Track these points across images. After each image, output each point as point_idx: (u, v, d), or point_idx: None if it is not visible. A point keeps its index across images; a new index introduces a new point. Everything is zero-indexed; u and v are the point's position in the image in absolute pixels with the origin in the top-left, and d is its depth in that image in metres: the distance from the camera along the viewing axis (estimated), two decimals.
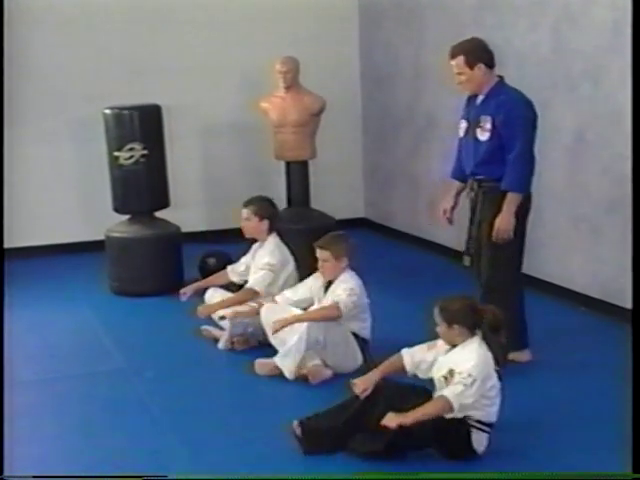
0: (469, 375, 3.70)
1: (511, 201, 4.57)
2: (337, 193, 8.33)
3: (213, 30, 8.00)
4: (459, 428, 3.76)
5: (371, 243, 8.19)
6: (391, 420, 3.75)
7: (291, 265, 5.47)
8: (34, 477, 3.61)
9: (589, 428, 4.10)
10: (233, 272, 5.74)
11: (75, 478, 3.65)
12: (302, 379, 4.73)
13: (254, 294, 5.36)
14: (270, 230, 5.54)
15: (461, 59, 4.60)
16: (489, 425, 3.82)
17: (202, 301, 5.61)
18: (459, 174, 4.95)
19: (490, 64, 4.64)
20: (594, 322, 5.61)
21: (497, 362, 4.13)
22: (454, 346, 3.87)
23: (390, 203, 8.40)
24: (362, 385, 3.96)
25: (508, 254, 4.71)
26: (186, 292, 5.68)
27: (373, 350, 4.82)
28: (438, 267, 7.18)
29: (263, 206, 5.56)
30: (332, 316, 4.75)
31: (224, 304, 5.41)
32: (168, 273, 6.72)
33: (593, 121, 5.63)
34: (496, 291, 4.69)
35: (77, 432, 4.31)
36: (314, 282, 5.05)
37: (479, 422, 3.78)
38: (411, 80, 7.78)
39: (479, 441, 3.80)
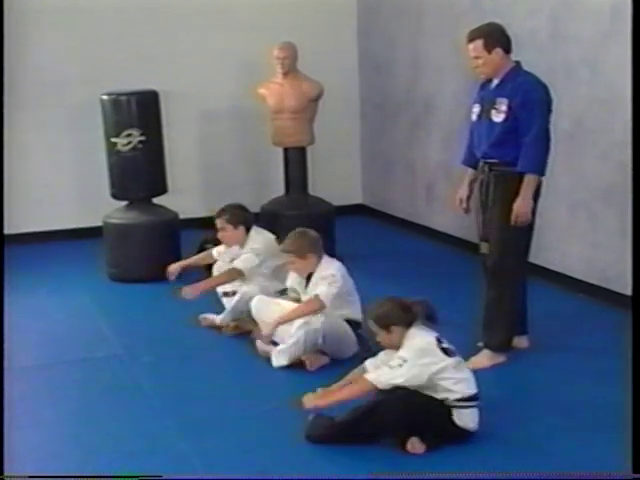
0: (399, 357, 3.74)
1: (528, 183, 4.52)
2: (335, 179, 8.31)
3: (211, 16, 7.97)
4: (435, 408, 3.76)
5: (369, 229, 8.21)
6: (308, 400, 3.87)
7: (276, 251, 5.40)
8: (34, 477, 3.61)
9: (587, 413, 4.11)
10: (219, 254, 5.79)
11: (74, 478, 3.65)
12: (299, 364, 4.74)
13: (238, 274, 5.45)
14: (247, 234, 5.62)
15: (479, 42, 4.54)
16: (468, 399, 3.79)
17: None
18: (470, 160, 4.90)
19: (507, 49, 4.59)
20: (592, 308, 5.61)
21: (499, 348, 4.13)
22: None
23: (388, 189, 8.40)
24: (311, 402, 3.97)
25: (517, 239, 4.68)
26: (173, 272, 5.77)
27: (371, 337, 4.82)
28: (436, 253, 7.19)
29: (235, 213, 5.59)
30: (315, 309, 4.74)
31: (208, 284, 5.54)
32: (166, 259, 6.65)
33: (591, 107, 5.62)
34: (503, 276, 4.68)
35: (75, 417, 4.33)
36: (295, 276, 5.06)
37: (456, 400, 3.77)
38: (409, 66, 7.76)
39: (464, 418, 3.78)
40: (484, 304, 4.76)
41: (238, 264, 5.46)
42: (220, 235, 5.64)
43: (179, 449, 3.91)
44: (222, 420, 4.19)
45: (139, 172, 6.59)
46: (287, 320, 4.76)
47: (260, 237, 5.56)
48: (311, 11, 8.22)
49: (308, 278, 4.93)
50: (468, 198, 4.94)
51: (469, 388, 3.82)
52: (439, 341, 3.81)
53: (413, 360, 3.71)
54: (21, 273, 6.70)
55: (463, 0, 6.83)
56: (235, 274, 5.46)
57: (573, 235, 5.94)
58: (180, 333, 5.45)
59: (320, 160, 7.59)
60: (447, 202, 5.03)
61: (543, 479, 3.52)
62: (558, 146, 5.67)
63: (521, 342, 4.91)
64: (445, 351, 3.79)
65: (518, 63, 4.66)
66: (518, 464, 3.65)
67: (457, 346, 4.73)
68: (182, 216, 6.95)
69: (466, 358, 4.67)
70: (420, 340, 3.79)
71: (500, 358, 4.72)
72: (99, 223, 6.83)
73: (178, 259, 6.75)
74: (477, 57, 4.59)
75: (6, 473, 3.32)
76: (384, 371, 3.76)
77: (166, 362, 4.98)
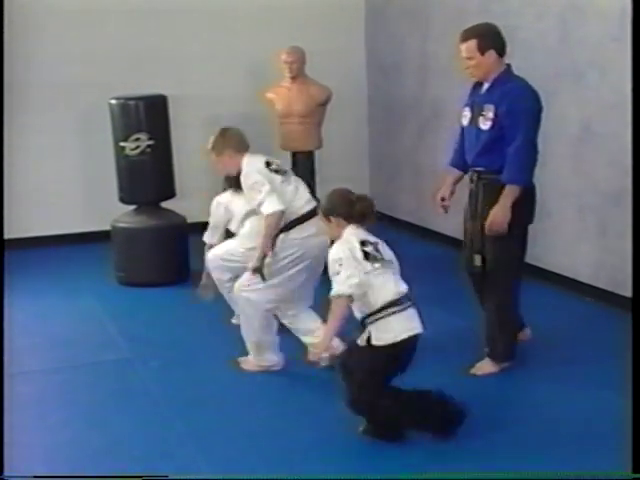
0: (334, 261, 3.75)
1: (508, 194, 4.41)
2: (343, 183, 8.20)
3: (219, 20, 7.99)
4: (361, 352, 3.78)
5: (376, 233, 8.16)
6: (313, 355, 4.02)
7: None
8: (35, 477, 3.61)
9: (590, 415, 4.13)
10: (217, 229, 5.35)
11: (76, 478, 3.66)
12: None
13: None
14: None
15: (473, 43, 4.43)
16: (382, 308, 3.74)
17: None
18: (458, 162, 4.83)
19: (501, 52, 4.49)
20: (600, 312, 5.60)
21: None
22: None
23: (395, 193, 8.39)
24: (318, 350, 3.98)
25: (511, 251, 4.59)
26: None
27: None
28: (444, 257, 7.16)
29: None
30: (273, 225, 4.58)
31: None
32: (174, 263, 6.73)
33: (599, 111, 5.61)
34: (498, 289, 4.63)
35: (83, 421, 4.32)
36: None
37: (386, 306, 3.74)
38: (417, 70, 7.76)
39: (394, 326, 3.74)
40: (484, 315, 4.74)
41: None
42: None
43: (187, 452, 3.92)
44: (231, 425, 4.19)
45: (147, 176, 6.61)
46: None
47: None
48: (319, 15, 8.22)
49: (237, 179, 4.75)
50: (450, 197, 4.89)
51: (388, 295, 3.76)
52: (363, 243, 3.79)
53: (347, 257, 3.73)
54: (29, 277, 6.72)
55: (471, 3, 6.82)
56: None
57: (581, 239, 5.92)
58: (189, 337, 5.46)
59: (328, 164, 7.57)
60: (456, 206, 5.01)
61: (543, 479, 3.53)
62: (567, 150, 5.69)
63: (524, 335, 4.90)
64: (366, 254, 3.77)
65: (509, 67, 4.54)
66: (518, 465, 3.66)
67: (465, 351, 4.75)
68: (190, 220, 6.95)
69: (474, 364, 4.69)
70: (347, 239, 3.81)
71: (504, 364, 4.71)
72: (107, 227, 6.85)
73: (186, 263, 6.79)
74: (469, 58, 4.47)
75: (6, 473, 3.33)
76: (337, 278, 3.74)
77: (174, 366, 4.98)
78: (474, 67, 4.49)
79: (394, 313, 3.74)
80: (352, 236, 3.84)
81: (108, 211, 6.94)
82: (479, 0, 6.73)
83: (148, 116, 6.52)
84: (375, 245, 3.86)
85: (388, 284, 3.78)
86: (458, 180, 4.88)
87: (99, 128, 7.05)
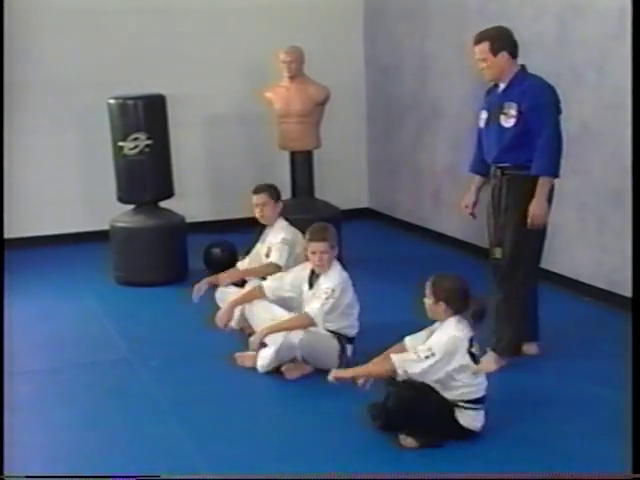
0: (428, 349, 3.74)
1: (543, 185, 4.53)
2: (341, 183, 8.32)
3: (218, 19, 7.99)
4: (439, 407, 3.79)
5: (375, 233, 8.21)
6: (333, 373, 3.96)
7: (299, 247, 5.32)
8: (35, 477, 3.61)
9: (590, 415, 4.13)
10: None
11: (73, 478, 3.65)
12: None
13: (276, 268, 5.19)
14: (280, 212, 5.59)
15: (486, 45, 4.57)
16: (474, 402, 3.81)
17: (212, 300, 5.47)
18: (478, 167, 4.92)
19: (514, 53, 4.62)
20: (599, 312, 5.61)
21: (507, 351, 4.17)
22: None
23: (394, 193, 8.39)
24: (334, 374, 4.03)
25: (531, 244, 4.69)
26: (201, 288, 5.34)
27: (372, 339, 4.70)
28: (443, 257, 7.17)
29: (275, 189, 5.59)
30: (303, 325, 4.69)
31: (240, 274, 5.43)
32: (172, 263, 6.73)
33: (598, 110, 5.62)
34: (514, 280, 4.69)
35: (82, 421, 4.32)
36: (300, 273, 4.97)
37: (462, 401, 3.79)
38: (416, 70, 7.76)
39: (467, 419, 3.81)
40: (494, 307, 4.75)
41: (274, 258, 5.25)
42: (260, 212, 5.49)
43: (185, 451, 3.92)
44: (229, 424, 4.19)
45: (146, 176, 6.61)
46: (275, 331, 4.71)
47: (291, 230, 5.41)
48: (318, 15, 8.23)
49: (311, 278, 4.87)
50: (474, 204, 4.95)
51: (477, 393, 3.83)
52: (471, 343, 3.81)
53: (440, 358, 3.72)
54: (28, 277, 6.72)
55: (470, 3, 6.83)
56: (272, 269, 5.20)
57: (581, 239, 5.92)
58: (187, 336, 5.45)
59: (326, 164, 7.58)
60: (454, 206, 5.03)
61: (543, 479, 3.53)
62: (566, 149, 5.66)
63: (530, 348, 4.89)
64: (472, 355, 3.80)
65: (523, 67, 4.68)
66: (518, 465, 3.66)
67: None
68: (188, 220, 6.96)
69: None
70: (455, 334, 3.77)
71: (502, 361, 4.71)
72: (106, 227, 6.84)
73: (185, 263, 6.79)
74: (483, 59, 4.61)
75: (6, 473, 3.33)
76: (410, 357, 3.78)
77: (173, 366, 4.98)
78: (487, 68, 4.63)
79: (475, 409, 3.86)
80: (463, 332, 3.81)
81: (107, 211, 6.94)
82: (478, 0, 6.74)
83: (147, 116, 6.52)
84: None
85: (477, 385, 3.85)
86: (482, 186, 4.93)
87: (98, 128, 7.04)
